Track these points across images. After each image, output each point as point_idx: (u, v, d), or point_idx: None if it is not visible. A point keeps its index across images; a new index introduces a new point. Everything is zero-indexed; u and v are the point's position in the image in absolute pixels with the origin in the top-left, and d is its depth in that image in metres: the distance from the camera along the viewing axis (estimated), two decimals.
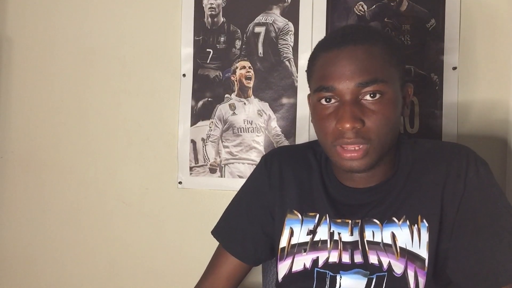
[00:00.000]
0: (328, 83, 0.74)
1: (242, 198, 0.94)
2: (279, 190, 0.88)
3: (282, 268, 0.84)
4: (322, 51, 0.77)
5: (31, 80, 1.35)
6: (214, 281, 0.91)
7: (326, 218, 0.83)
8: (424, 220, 0.76)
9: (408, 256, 0.76)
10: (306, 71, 0.84)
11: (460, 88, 1.10)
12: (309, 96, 0.86)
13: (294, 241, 0.84)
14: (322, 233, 0.82)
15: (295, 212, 0.86)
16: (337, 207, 0.83)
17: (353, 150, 0.73)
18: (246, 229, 0.90)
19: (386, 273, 0.77)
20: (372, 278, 0.77)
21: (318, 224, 0.83)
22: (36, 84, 1.35)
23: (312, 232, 0.83)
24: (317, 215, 0.83)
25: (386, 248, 0.77)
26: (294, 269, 0.83)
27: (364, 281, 0.77)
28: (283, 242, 0.85)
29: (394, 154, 0.82)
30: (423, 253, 0.75)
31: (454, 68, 1.10)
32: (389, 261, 0.77)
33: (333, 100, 0.75)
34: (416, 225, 0.76)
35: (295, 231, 0.85)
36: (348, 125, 0.71)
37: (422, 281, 0.75)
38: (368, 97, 0.73)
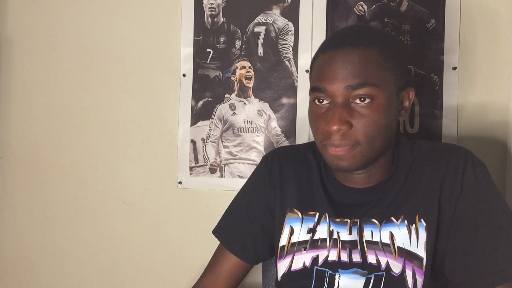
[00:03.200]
0: (320, 84, 0.76)
1: (242, 197, 0.95)
2: (279, 189, 0.89)
3: (282, 267, 0.85)
4: (321, 52, 0.79)
5: (31, 80, 1.35)
6: (214, 280, 0.91)
7: (325, 217, 0.83)
8: (422, 220, 0.77)
9: (406, 255, 0.76)
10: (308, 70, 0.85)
11: (460, 88, 1.10)
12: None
13: (294, 239, 0.85)
14: (322, 232, 0.83)
15: (295, 210, 0.86)
16: (336, 207, 0.83)
17: (338, 147, 0.75)
18: (246, 228, 0.91)
19: (384, 273, 0.77)
20: (370, 278, 0.77)
21: (318, 222, 0.83)
22: (36, 84, 1.35)
23: (312, 231, 0.83)
24: (317, 214, 0.84)
25: (384, 247, 0.78)
26: (293, 267, 0.83)
27: (362, 280, 0.78)
28: (283, 241, 0.86)
29: (392, 154, 0.83)
30: (421, 252, 0.76)
31: (454, 68, 1.09)
32: (387, 261, 0.77)
33: (325, 101, 0.77)
34: (414, 224, 0.77)
35: (295, 229, 0.85)
36: (334, 127, 0.73)
37: (420, 280, 0.75)
38: (358, 100, 0.74)
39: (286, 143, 1.19)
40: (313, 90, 0.78)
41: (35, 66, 1.35)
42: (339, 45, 0.75)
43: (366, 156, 0.76)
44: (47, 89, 1.34)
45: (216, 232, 0.95)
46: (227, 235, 0.93)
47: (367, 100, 0.74)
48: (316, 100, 0.78)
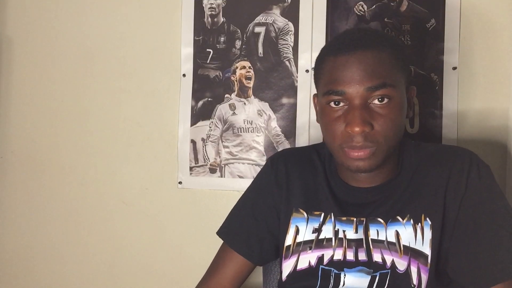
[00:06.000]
0: (338, 87, 0.75)
1: (248, 198, 0.95)
2: (285, 189, 0.89)
3: (287, 267, 0.85)
4: (331, 55, 0.78)
5: (31, 80, 1.35)
6: (220, 280, 0.90)
7: (331, 217, 0.84)
8: (428, 219, 0.77)
9: (411, 253, 0.77)
10: (313, 69, 0.85)
11: (460, 88, 1.10)
12: (315, 96, 0.88)
13: (299, 239, 0.85)
14: (327, 231, 0.83)
15: (301, 210, 0.86)
16: (342, 206, 0.84)
17: (360, 149, 0.75)
18: (252, 228, 0.91)
19: (389, 271, 0.77)
20: (376, 276, 0.78)
21: (323, 222, 0.84)
22: (36, 84, 1.34)
23: (318, 230, 0.84)
24: (322, 214, 0.85)
25: (390, 246, 0.78)
26: (299, 267, 0.84)
27: (367, 278, 0.78)
28: (289, 240, 0.86)
29: (398, 155, 0.84)
30: (426, 249, 0.76)
31: (454, 68, 1.10)
32: (393, 259, 0.78)
33: (342, 103, 0.77)
34: (419, 223, 0.78)
35: (301, 229, 0.85)
36: (357, 129, 0.73)
37: (424, 277, 0.75)
38: (376, 101, 0.75)
39: (286, 143, 1.19)
40: (329, 93, 0.77)
41: (35, 66, 1.34)
42: (353, 48, 0.75)
43: (384, 156, 0.77)
44: (47, 89, 1.34)
45: (221, 233, 0.94)
46: (232, 236, 0.92)
47: (385, 100, 0.74)
48: (332, 103, 0.77)
